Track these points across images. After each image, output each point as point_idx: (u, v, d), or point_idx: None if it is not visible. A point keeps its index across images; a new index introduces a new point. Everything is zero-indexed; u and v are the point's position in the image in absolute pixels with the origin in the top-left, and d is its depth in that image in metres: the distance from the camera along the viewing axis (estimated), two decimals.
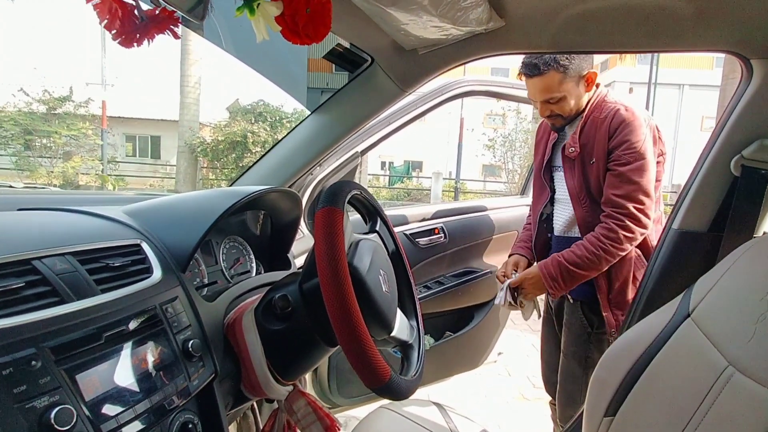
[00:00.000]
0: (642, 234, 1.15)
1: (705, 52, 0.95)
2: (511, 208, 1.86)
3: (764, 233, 0.97)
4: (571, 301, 1.31)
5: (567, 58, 1.14)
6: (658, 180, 1.20)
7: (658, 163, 1.20)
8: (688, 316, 0.74)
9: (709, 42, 0.90)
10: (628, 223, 1.13)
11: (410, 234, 1.61)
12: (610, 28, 0.89)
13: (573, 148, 1.23)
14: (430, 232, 1.66)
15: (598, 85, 1.26)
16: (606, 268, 1.18)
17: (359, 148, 1.39)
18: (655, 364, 0.74)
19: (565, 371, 1.37)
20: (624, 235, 1.13)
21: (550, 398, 1.59)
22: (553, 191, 1.35)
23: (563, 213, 1.33)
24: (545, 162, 1.34)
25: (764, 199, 0.93)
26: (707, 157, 1.00)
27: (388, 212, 1.67)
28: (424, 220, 1.69)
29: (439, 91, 1.45)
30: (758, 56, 0.90)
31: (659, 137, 1.20)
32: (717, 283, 0.73)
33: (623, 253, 1.16)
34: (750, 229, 0.95)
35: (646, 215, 1.13)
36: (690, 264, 1.02)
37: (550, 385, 1.55)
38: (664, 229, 1.09)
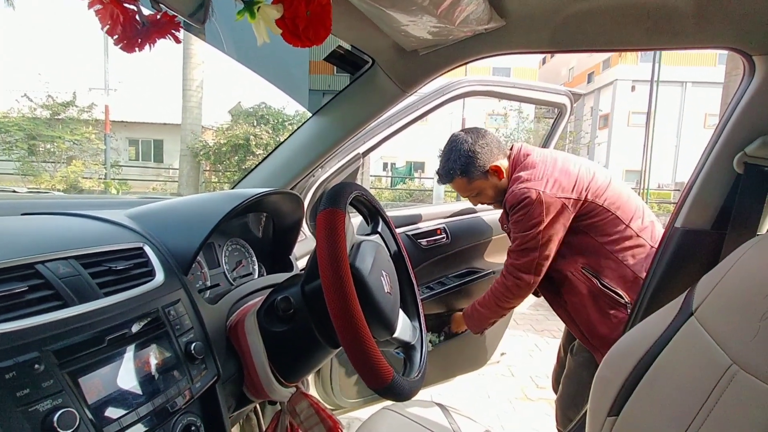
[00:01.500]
0: (515, 283, 1.32)
1: (707, 49, 0.94)
2: None
3: None
4: None
5: (465, 163, 1.34)
6: (591, 206, 1.28)
7: (586, 202, 1.27)
8: (692, 314, 0.73)
9: (710, 39, 0.89)
10: (505, 272, 1.35)
11: (412, 235, 1.61)
12: (611, 26, 0.89)
13: (506, 225, 1.41)
14: (432, 232, 1.65)
15: (512, 148, 1.39)
16: (504, 309, 1.40)
17: (361, 150, 1.39)
18: (659, 363, 0.73)
19: (572, 373, 1.39)
20: (503, 282, 1.35)
21: (555, 397, 1.59)
22: None
23: None
24: None
25: None
26: (710, 155, 1.00)
27: (395, 213, 1.67)
28: (428, 220, 1.69)
29: (441, 92, 1.45)
30: (761, 52, 0.90)
31: (563, 186, 1.26)
32: (720, 281, 0.72)
33: (509, 295, 1.34)
34: (753, 226, 0.94)
35: (522, 272, 1.31)
36: (693, 262, 1.01)
37: (558, 384, 1.55)
38: (667, 228, 1.08)
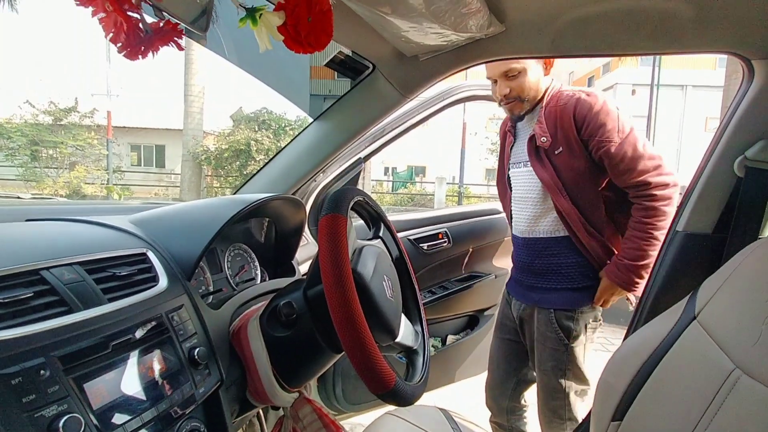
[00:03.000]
0: (674, 187, 1.13)
1: (706, 53, 0.95)
2: None
3: None
4: (546, 310, 1.25)
5: None
6: None
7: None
8: (694, 318, 0.73)
9: (710, 43, 0.90)
10: (659, 192, 1.12)
11: (414, 239, 1.61)
12: (610, 31, 0.89)
13: (544, 138, 1.18)
14: (434, 236, 1.65)
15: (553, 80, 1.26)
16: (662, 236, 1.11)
17: (362, 155, 1.40)
18: (662, 367, 0.73)
19: (547, 387, 1.29)
20: (662, 206, 1.12)
21: (493, 415, 1.49)
22: (511, 190, 1.35)
23: (522, 212, 1.30)
24: (505, 163, 1.36)
25: None
26: (710, 159, 1.00)
27: (396, 217, 1.68)
28: (430, 224, 1.69)
29: (442, 96, 1.46)
30: (759, 57, 0.90)
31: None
32: (723, 285, 0.72)
33: (672, 216, 1.10)
34: (755, 229, 0.94)
35: (666, 173, 1.12)
36: (695, 266, 1.01)
37: (496, 399, 1.47)
38: (668, 231, 1.08)
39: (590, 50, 0.96)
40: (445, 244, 1.66)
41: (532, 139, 1.22)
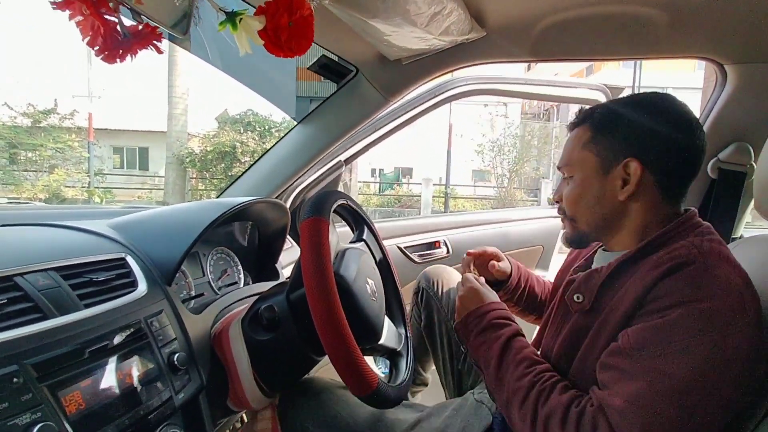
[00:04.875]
0: None
1: (681, 58, 0.97)
2: (533, 220, 1.68)
3: (741, 236, 0.99)
4: None
5: (612, 119, 0.68)
6: None
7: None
8: None
9: (684, 48, 0.92)
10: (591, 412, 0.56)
11: (405, 247, 1.51)
12: (588, 37, 0.92)
13: (579, 296, 0.68)
14: (429, 245, 1.54)
15: (693, 217, 0.69)
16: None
17: (342, 157, 1.37)
18: None
19: None
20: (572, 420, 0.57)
21: None
22: None
23: None
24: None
25: (741, 201, 0.96)
26: None
27: (386, 224, 1.59)
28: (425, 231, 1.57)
29: (432, 93, 1.28)
30: (732, 62, 0.93)
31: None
32: None
33: None
34: (728, 231, 0.97)
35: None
36: None
37: None
38: None
39: (569, 55, 0.98)
40: (444, 254, 1.53)
41: (570, 288, 0.70)
